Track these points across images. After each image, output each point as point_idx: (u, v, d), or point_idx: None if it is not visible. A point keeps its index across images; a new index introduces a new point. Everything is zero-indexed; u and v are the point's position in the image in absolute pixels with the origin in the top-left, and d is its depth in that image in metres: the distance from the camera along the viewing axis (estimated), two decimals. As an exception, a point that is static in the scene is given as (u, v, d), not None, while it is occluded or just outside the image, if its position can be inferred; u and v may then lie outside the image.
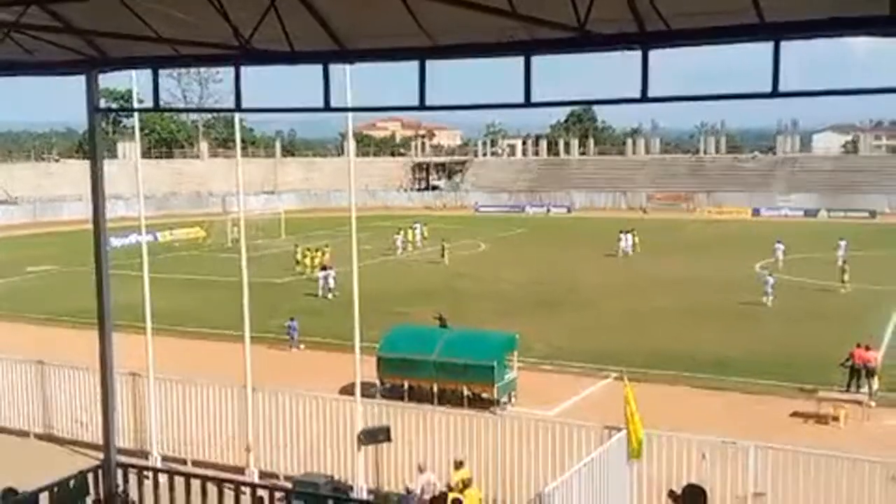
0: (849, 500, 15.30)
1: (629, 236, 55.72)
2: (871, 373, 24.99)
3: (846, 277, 41.07)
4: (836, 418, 22.89)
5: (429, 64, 12.44)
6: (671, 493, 10.65)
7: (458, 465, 17.04)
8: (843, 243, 49.57)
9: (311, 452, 19.48)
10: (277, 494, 16.59)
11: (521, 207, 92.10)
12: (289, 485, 18.75)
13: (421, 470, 17.41)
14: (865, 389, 24.66)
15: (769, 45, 10.61)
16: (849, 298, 39.63)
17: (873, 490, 15.19)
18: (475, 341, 25.90)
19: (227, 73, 20.72)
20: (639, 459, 16.44)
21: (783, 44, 10.55)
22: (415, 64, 12.47)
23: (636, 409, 16.40)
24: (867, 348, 25.39)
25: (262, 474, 19.75)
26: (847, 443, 19.41)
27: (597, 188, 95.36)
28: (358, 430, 18.33)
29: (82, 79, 16.35)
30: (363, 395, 19.46)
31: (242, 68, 14.04)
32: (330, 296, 40.59)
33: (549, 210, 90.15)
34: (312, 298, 40.87)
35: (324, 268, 43.54)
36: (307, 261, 48.02)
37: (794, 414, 23.65)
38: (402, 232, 59.57)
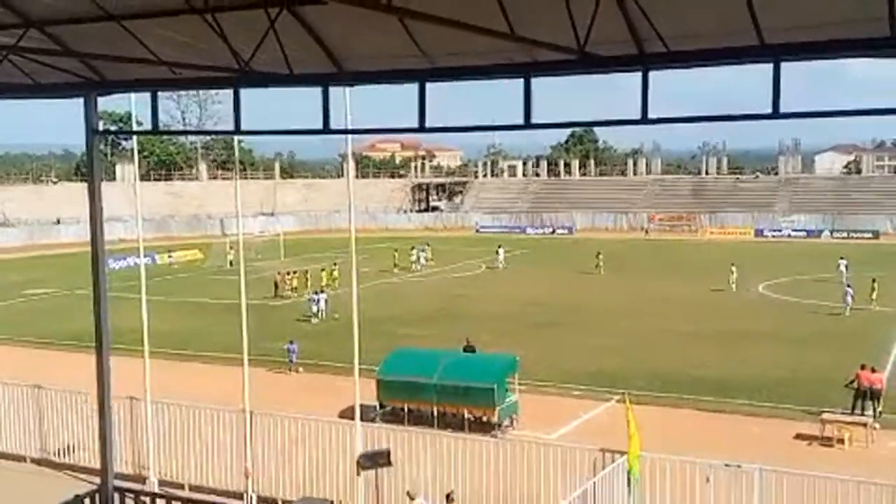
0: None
1: (502, 251, 62.15)
2: (876, 395, 24.80)
3: (875, 295, 41.98)
4: (840, 440, 22.71)
5: (428, 86, 12.42)
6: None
7: (449, 497, 16.81)
8: (843, 262, 50.31)
9: (310, 476, 19.28)
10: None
11: (521, 229, 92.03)
12: (288, 510, 18.55)
13: (411, 497, 17.17)
14: (870, 412, 24.47)
15: (769, 67, 10.60)
16: (889, 316, 39.89)
17: (879, 514, 15.01)
18: (476, 364, 25.73)
19: (226, 94, 20.70)
20: (637, 478, 16.24)
21: (784, 65, 10.53)
22: (414, 86, 12.45)
23: (636, 430, 16.26)
24: (873, 370, 25.20)
25: (261, 499, 19.53)
26: (852, 465, 19.19)
27: (598, 209, 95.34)
28: (358, 454, 18.13)
29: (81, 101, 16.35)
30: (363, 419, 19.30)
31: (242, 90, 14.03)
32: (315, 320, 40.28)
33: (553, 231, 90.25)
34: (312, 320, 40.60)
35: (321, 290, 43.38)
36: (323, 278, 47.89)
37: (798, 436, 23.48)
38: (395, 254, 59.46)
